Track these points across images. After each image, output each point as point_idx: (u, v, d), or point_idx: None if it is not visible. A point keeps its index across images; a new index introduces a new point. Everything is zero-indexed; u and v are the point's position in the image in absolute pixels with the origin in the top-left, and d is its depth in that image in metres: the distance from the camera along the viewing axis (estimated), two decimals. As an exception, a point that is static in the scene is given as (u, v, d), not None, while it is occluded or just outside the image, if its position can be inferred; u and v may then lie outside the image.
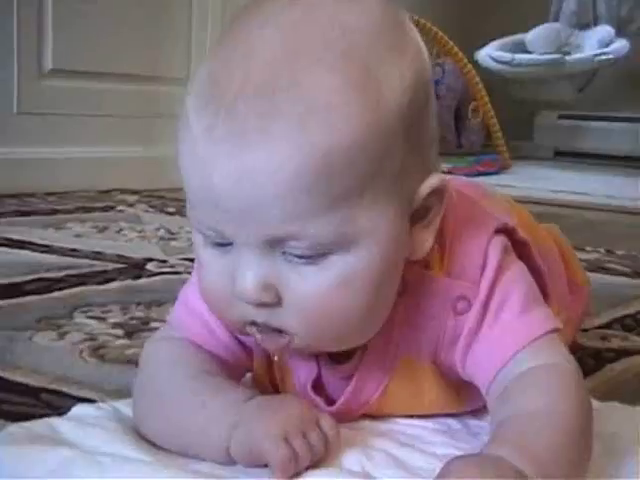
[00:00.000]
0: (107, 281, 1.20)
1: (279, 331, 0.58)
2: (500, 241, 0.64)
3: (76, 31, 2.19)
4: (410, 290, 0.63)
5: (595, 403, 0.68)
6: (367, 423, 0.66)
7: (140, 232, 1.65)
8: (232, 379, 0.65)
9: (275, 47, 0.55)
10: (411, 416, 0.67)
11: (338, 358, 0.65)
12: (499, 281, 0.63)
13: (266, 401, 0.60)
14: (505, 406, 0.58)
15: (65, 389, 0.76)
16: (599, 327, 1.07)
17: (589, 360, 0.92)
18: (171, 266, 1.32)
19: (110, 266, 1.31)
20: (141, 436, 0.61)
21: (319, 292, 0.56)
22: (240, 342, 0.66)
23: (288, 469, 0.54)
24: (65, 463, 0.56)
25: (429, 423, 0.67)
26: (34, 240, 1.48)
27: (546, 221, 0.91)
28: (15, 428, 0.61)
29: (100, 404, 0.68)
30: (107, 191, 2.21)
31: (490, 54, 3.42)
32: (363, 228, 0.56)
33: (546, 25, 3.55)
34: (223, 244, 0.57)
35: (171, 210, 1.96)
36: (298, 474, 0.55)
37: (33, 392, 0.76)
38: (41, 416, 0.65)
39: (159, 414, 0.62)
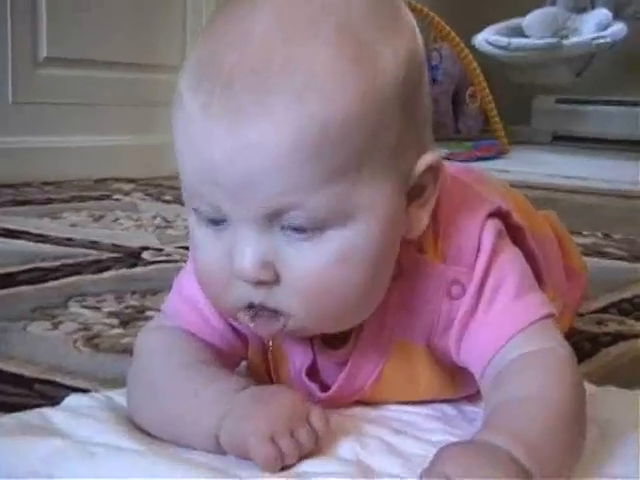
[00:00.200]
0: (102, 270, 1.20)
1: (275, 313, 0.58)
2: (494, 225, 0.64)
3: (71, 19, 2.18)
4: (405, 274, 0.63)
5: (591, 387, 0.68)
6: (360, 410, 0.66)
7: (136, 221, 1.64)
8: (226, 368, 0.65)
9: (269, 26, 0.55)
10: (405, 403, 0.67)
11: (333, 342, 0.65)
12: (493, 266, 0.62)
13: (258, 393, 0.59)
14: (499, 391, 0.58)
15: (59, 379, 0.76)
16: (596, 311, 1.07)
17: (585, 344, 0.92)
18: (167, 254, 1.32)
19: (105, 255, 1.30)
20: (135, 426, 0.61)
21: (317, 268, 0.56)
22: (235, 330, 0.66)
23: (273, 467, 0.54)
24: (57, 453, 0.55)
25: (423, 409, 0.67)
26: (29, 230, 1.48)
27: (544, 206, 0.90)
28: (7, 419, 0.61)
29: (93, 394, 0.68)
30: (103, 180, 2.21)
31: (487, 39, 3.41)
32: (361, 203, 0.56)
33: (543, 9, 3.54)
34: (218, 222, 0.57)
35: (167, 198, 1.96)
36: (291, 465, 0.55)
37: (27, 382, 0.75)
38: (35, 406, 0.65)
39: (152, 404, 0.62)
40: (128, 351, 0.79)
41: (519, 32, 3.46)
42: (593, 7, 3.57)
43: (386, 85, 0.56)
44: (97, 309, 1.00)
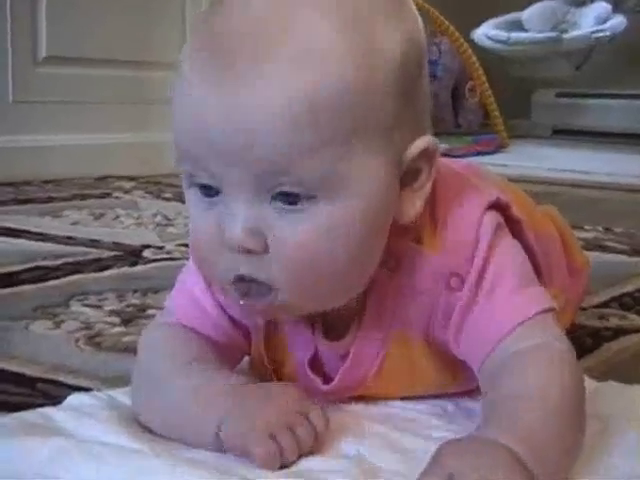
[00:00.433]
0: (103, 269, 1.20)
1: (263, 288, 0.58)
2: (493, 217, 0.64)
3: (70, 18, 2.18)
4: (402, 265, 0.63)
5: (592, 382, 0.68)
6: (361, 407, 0.66)
7: (137, 219, 1.64)
8: (228, 364, 0.65)
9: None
10: (406, 399, 0.67)
11: (334, 334, 0.65)
12: (492, 258, 0.62)
13: (258, 390, 0.59)
14: (498, 386, 0.58)
15: (61, 378, 0.76)
16: (597, 306, 1.07)
17: (587, 339, 0.92)
18: (168, 252, 1.32)
19: (106, 253, 1.30)
20: (138, 425, 0.61)
21: (304, 240, 0.56)
22: (236, 324, 0.66)
23: (272, 465, 0.55)
24: (60, 453, 0.55)
25: (424, 406, 0.67)
26: (30, 228, 1.48)
27: (544, 200, 0.90)
28: (9, 419, 0.61)
29: (95, 393, 0.68)
30: (103, 178, 2.21)
31: (486, 33, 3.41)
32: (352, 175, 0.56)
33: (542, 3, 3.53)
34: (212, 193, 0.57)
35: (168, 196, 1.96)
36: (293, 462, 0.55)
37: (29, 382, 0.75)
38: (37, 406, 0.65)
39: (154, 401, 0.62)
40: (130, 349, 0.80)
41: (518, 26, 3.45)
42: (592, 0, 3.56)
43: (384, 62, 0.57)
44: (98, 308, 1.00)
